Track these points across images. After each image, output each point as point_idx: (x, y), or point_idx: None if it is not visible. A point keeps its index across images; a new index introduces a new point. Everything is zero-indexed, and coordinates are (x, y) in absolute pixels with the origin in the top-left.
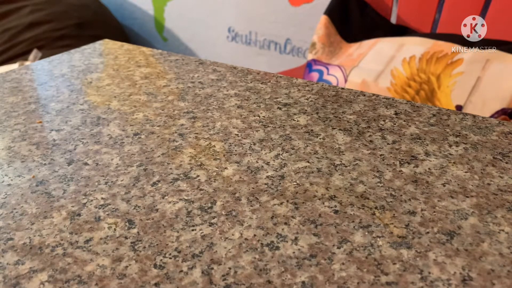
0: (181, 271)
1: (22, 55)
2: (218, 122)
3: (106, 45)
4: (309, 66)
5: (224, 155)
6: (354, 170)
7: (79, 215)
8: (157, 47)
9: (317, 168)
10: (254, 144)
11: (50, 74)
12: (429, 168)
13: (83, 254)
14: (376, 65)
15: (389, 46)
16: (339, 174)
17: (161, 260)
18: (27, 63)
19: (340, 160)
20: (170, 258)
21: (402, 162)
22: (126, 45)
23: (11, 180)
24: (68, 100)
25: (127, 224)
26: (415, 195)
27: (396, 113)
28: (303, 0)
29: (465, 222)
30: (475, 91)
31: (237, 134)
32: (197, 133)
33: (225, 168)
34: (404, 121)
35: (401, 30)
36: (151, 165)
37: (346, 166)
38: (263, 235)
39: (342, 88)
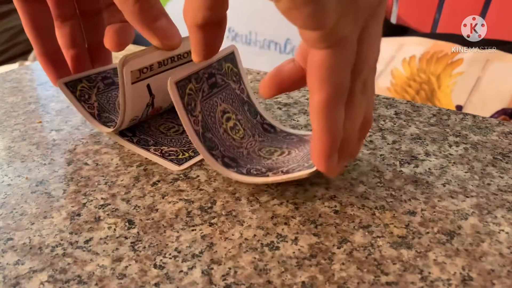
0: (181, 271)
1: (22, 55)
2: None
3: None
4: None
5: None
6: (354, 170)
7: (79, 215)
8: None
9: None
10: None
11: None
12: (429, 168)
13: (83, 254)
14: None
15: (389, 46)
16: (339, 174)
17: (161, 260)
18: (27, 63)
19: None
20: (170, 258)
21: (402, 162)
22: None
23: (11, 180)
24: (68, 101)
25: (127, 224)
26: (415, 195)
27: (396, 113)
28: None
29: (465, 222)
30: (475, 91)
31: None
32: None
33: None
34: (404, 121)
35: (401, 30)
36: (151, 165)
37: (346, 166)
38: (263, 235)
39: None
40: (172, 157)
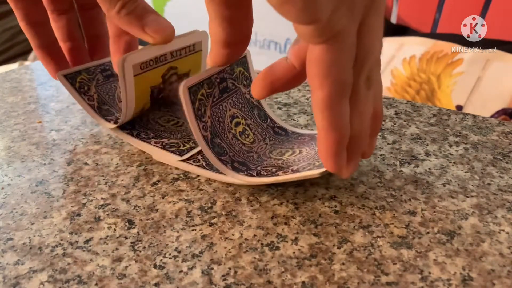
0: (181, 271)
1: (22, 55)
2: None
3: None
4: None
5: None
6: None
7: (79, 215)
8: None
9: None
10: None
11: None
12: (429, 168)
13: (83, 254)
14: None
15: (389, 46)
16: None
17: (161, 260)
18: (27, 63)
19: None
20: (170, 258)
21: (402, 162)
22: None
23: (11, 180)
24: (68, 100)
25: (127, 224)
26: (415, 195)
27: (396, 113)
28: None
29: (465, 222)
30: (475, 91)
31: None
32: None
33: None
34: (404, 121)
35: (401, 30)
36: (151, 165)
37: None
38: (263, 235)
39: None
40: (173, 148)
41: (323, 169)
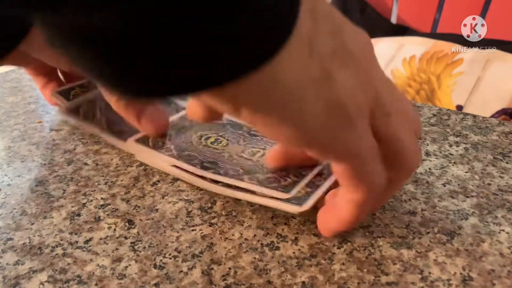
0: (181, 271)
1: None
2: None
3: None
4: None
5: None
6: None
7: (79, 215)
8: None
9: None
10: None
11: None
12: (429, 168)
13: (83, 254)
14: None
15: (389, 46)
16: None
17: (161, 260)
18: None
19: None
20: (170, 258)
21: None
22: None
23: (11, 180)
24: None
25: (127, 224)
26: (415, 195)
27: None
28: None
29: (466, 222)
30: (475, 91)
31: None
32: None
33: None
34: None
35: (401, 30)
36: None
37: None
38: (263, 235)
39: None
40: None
41: (298, 209)
